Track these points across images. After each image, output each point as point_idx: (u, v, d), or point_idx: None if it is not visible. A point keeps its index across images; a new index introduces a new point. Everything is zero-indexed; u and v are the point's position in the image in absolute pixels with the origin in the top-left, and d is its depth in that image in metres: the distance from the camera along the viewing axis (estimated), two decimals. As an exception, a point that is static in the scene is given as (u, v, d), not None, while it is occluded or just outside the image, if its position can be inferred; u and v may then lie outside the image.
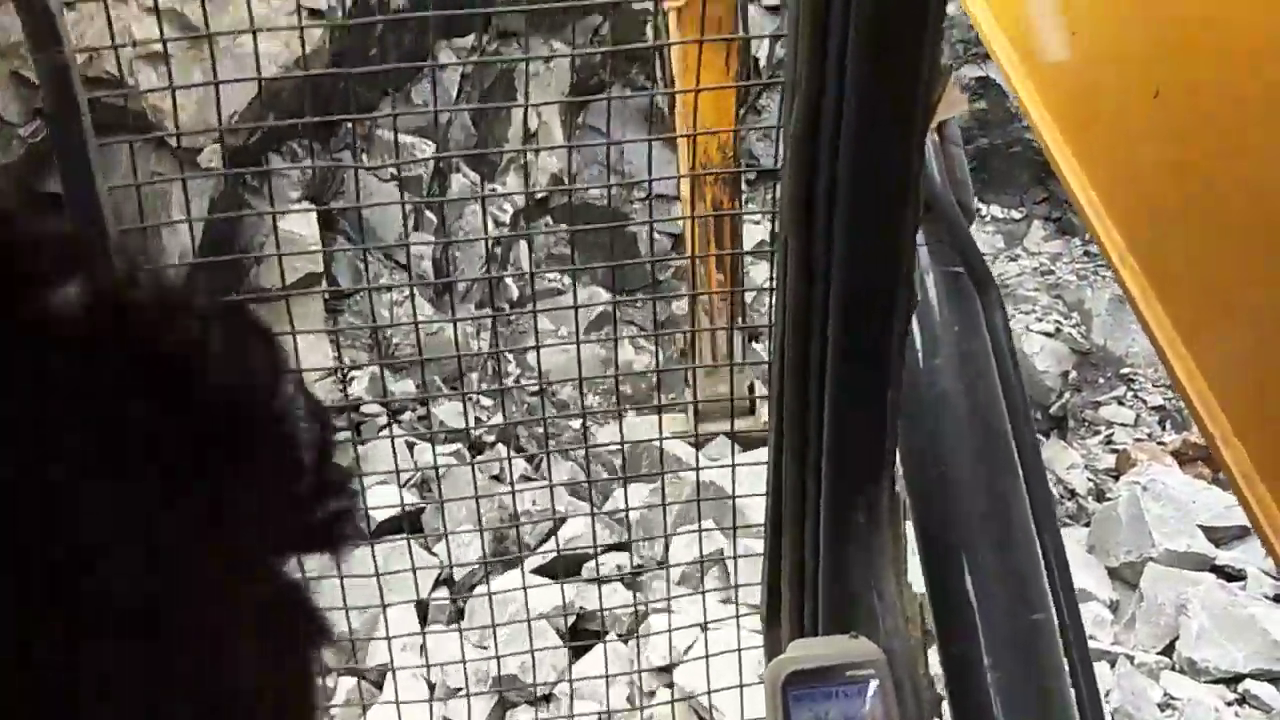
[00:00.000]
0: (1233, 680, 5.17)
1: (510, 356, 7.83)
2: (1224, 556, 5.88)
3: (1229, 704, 5.09)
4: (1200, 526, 5.97)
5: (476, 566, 4.65)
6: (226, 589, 0.36)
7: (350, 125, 6.60)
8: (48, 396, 0.32)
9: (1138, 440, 7.49)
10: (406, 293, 7.57)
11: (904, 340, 1.15)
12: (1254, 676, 5.15)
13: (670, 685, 4.36)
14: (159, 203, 4.95)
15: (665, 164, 6.65)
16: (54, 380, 0.32)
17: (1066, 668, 1.19)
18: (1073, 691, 1.19)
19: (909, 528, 1.24)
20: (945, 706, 1.25)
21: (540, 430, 6.70)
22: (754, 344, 6.85)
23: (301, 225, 7.45)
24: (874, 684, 1.26)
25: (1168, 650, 5.49)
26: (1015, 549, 1.19)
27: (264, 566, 0.39)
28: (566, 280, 8.03)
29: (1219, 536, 5.96)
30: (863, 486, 1.20)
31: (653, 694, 4.58)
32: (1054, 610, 1.18)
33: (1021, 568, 1.19)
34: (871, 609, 1.23)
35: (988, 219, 9.44)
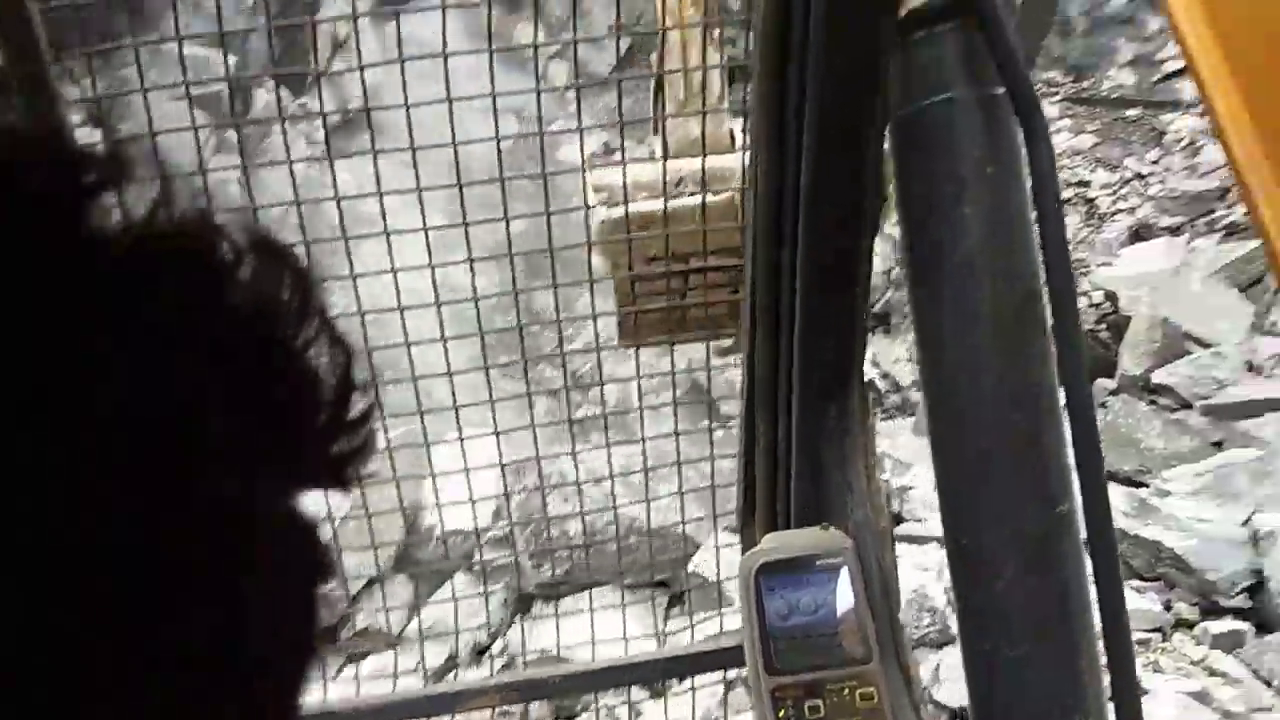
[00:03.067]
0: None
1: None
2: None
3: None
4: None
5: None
6: (235, 511, 0.36)
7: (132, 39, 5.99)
8: (87, 308, 0.33)
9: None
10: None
11: (870, 246, 1.18)
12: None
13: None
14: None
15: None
16: (92, 294, 0.33)
17: (1089, 568, 1.07)
18: (1095, 596, 1.06)
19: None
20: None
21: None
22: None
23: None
24: (843, 571, 1.32)
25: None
26: (1039, 436, 1.04)
27: (279, 495, 0.39)
28: (393, 203, 7.74)
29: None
30: (834, 387, 1.24)
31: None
32: (1079, 504, 1.04)
33: (1045, 458, 1.04)
34: (842, 501, 1.29)
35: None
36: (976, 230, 1.05)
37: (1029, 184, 1.05)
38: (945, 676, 4.63)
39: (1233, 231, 7.65)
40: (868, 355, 1.35)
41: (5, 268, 0.32)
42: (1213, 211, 7.90)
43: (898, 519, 5.54)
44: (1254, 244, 7.32)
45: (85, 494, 0.31)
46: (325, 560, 0.41)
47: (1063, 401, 1.01)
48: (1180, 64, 8.31)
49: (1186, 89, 8.49)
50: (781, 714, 1.30)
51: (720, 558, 3.70)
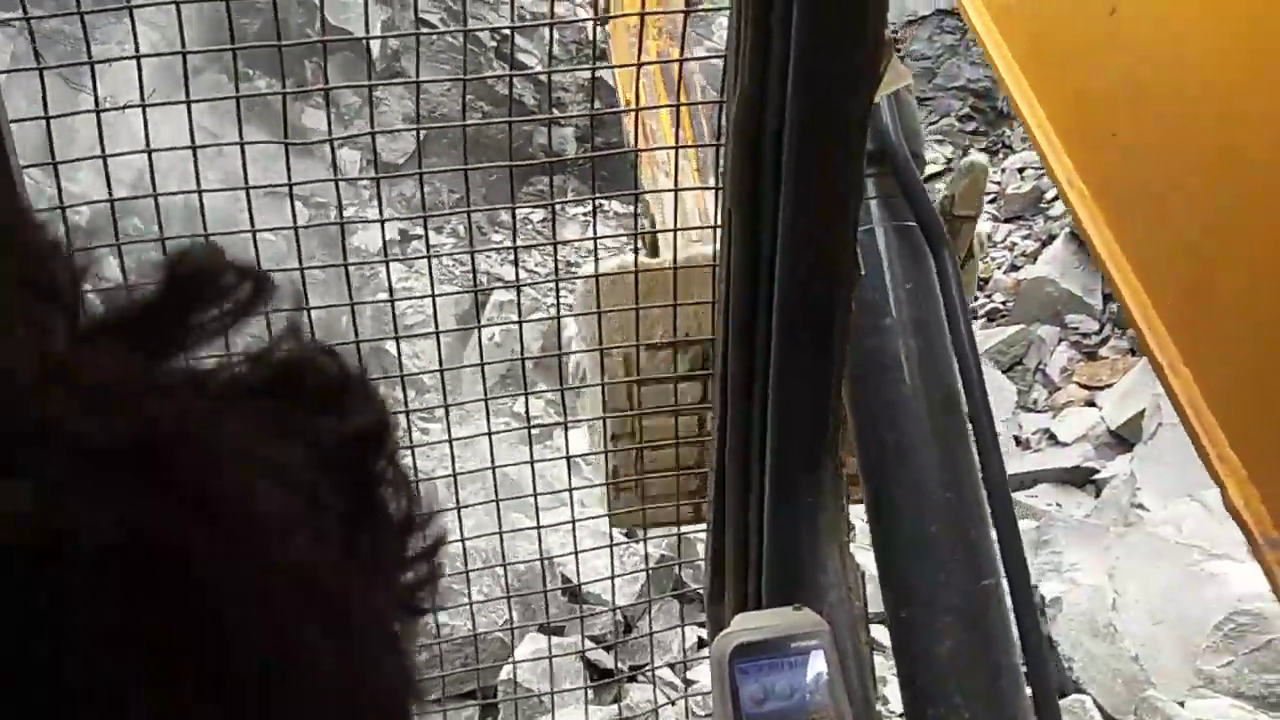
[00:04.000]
0: (855, 624, 5.85)
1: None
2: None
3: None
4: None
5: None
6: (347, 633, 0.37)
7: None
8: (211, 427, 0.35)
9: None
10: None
11: (847, 320, 1.18)
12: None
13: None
14: None
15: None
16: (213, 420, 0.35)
17: (1016, 633, 1.19)
18: (1020, 656, 1.19)
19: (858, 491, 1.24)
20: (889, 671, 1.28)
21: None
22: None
23: None
24: (818, 654, 1.28)
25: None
26: (966, 517, 1.19)
27: (376, 614, 0.40)
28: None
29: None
30: (808, 462, 1.22)
31: None
32: (1003, 574, 1.19)
33: (972, 535, 1.19)
34: (815, 581, 1.25)
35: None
36: (900, 335, 1.25)
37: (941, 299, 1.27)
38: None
39: (993, 318, 8.35)
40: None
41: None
42: (975, 299, 8.61)
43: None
44: (1013, 329, 8.04)
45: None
46: (417, 679, 0.43)
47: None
48: (940, 167, 9.10)
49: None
50: (755, 807, 1.24)
51: (537, 664, 3.54)
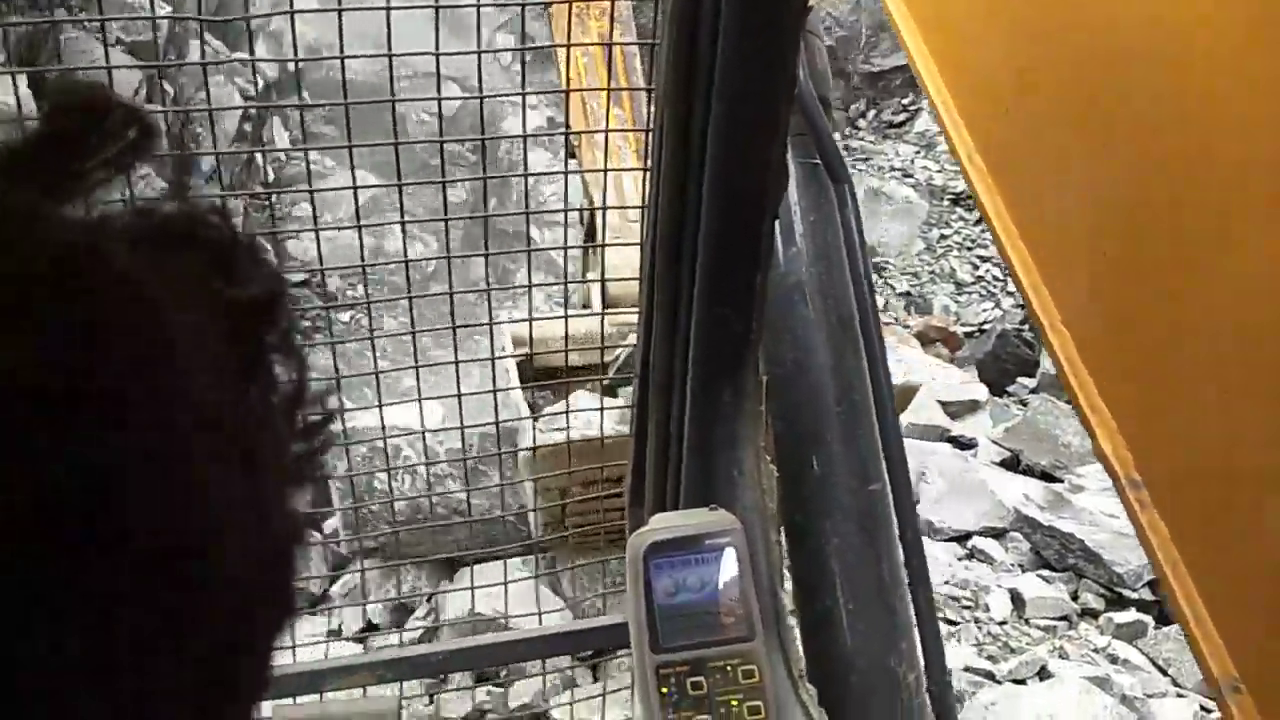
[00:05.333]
0: (963, 538, 5.78)
1: (269, 245, 7.37)
2: (957, 428, 6.51)
3: (960, 559, 5.69)
4: (938, 401, 6.57)
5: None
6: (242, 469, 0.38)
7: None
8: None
9: (885, 324, 8.08)
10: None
11: (773, 226, 1.19)
12: (980, 534, 5.78)
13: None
14: None
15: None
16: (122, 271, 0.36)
17: (897, 532, 1.30)
18: (901, 552, 1.32)
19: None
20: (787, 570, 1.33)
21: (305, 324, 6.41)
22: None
23: (7, 92, 6.51)
24: (730, 551, 1.32)
25: (909, 513, 6.04)
26: (856, 428, 1.29)
27: (272, 459, 0.41)
28: (330, 162, 7.62)
29: (953, 410, 6.58)
30: (730, 367, 1.25)
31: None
32: (888, 481, 1.29)
33: (862, 445, 1.29)
34: (731, 483, 1.29)
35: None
36: (803, 261, 1.35)
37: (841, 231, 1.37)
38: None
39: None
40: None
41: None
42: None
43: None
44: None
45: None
46: (303, 533, 0.45)
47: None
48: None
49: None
50: (664, 691, 1.30)
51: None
